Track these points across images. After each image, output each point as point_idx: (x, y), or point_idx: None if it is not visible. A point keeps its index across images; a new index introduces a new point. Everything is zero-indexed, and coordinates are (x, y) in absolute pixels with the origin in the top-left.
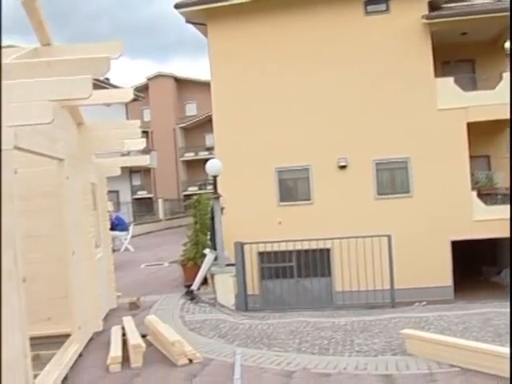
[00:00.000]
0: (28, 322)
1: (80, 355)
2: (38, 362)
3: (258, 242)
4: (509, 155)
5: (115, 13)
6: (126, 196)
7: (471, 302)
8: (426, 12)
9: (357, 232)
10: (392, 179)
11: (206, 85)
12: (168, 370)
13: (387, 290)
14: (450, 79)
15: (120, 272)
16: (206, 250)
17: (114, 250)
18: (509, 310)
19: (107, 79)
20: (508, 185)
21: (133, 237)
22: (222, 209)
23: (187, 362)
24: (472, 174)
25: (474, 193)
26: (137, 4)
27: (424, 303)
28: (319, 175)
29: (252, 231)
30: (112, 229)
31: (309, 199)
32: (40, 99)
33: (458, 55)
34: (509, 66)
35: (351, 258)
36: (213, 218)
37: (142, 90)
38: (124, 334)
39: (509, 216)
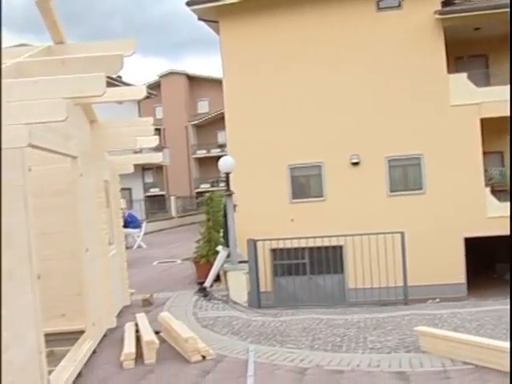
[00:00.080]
0: (43, 318)
1: (94, 352)
2: (53, 359)
3: (270, 239)
4: None
5: (129, 11)
6: (138, 193)
7: (484, 300)
8: (439, 7)
9: (369, 229)
10: (405, 176)
11: (217, 82)
12: (181, 367)
13: (400, 287)
14: (463, 75)
15: (133, 269)
16: (219, 247)
17: (126, 247)
18: None
19: (119, 77)
20: None
21: (145, 234)
22: (235, 206)
23: (200, 358)
24: (485, 171)
25: (488, 189)
26: (150, 2)
27: (437, 300)
28: (332, 172)
29: (264, 228)
30: (125, 226)
31: (321, 196)
32: (54, 97)
33: (471, 51)
34: None
35: (364, 254)
36: (225, 215)
37: (154, 88)
38: (137, 331)
39: None
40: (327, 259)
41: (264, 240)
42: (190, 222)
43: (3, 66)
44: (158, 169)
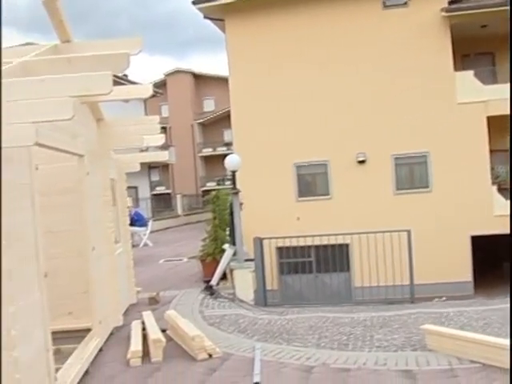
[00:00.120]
0: (50, 316)
1: (100, 349)
2: (60, 356)
3: (276, 237)
4: None
5: (134, 9)
6: (144, 192)
7: (491, 298)
8: (445, 5)
9: (376, 227)
10: (411, 174)
11: (223, 80)
12: (188, 365)
13: (406, 286)
14: (470, 73)
15: (139, 267)
16: (225, 246)
17: (133, 246)
18: None
19: (125, 75)
20: None
21: (151, 232)
22: (241, 204)
23: (207, 356)
24: (492, 169)
25: (495, 187)
26: (155, 0)
27: (444, 298)
28: (338, 170)
29: (271, 226)
30: (131, 224)
31: (327, 194)
32: (60, 95)
33: (478, 48)
34: None
35: (370, 253)
36: (232, 214)
37: (160, 86)
38: (144, 329)
39: None
40: (333, 257)
41: (270, 238)
42: (196, 221)
43: (10, 65)
44: (164, 167)
